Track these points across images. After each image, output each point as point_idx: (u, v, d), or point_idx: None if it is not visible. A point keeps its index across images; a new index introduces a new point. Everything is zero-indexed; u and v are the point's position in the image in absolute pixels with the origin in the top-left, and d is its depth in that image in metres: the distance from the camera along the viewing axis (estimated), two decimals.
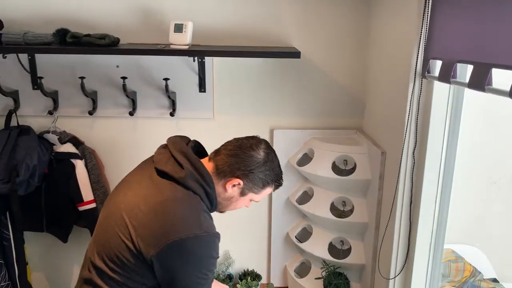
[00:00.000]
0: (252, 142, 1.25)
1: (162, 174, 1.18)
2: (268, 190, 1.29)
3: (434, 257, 1.48)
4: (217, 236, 1.16)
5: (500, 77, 0.98)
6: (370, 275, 1.86)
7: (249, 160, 1.21)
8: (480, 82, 0.99)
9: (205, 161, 1.26)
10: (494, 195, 2.35)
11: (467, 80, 1.06)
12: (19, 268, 2.07)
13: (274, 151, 1.29)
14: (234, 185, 1.22)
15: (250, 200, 1.30)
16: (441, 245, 1.47)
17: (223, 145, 1.28)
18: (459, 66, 1.14)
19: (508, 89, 0.89)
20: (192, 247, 1.09)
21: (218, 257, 1.17)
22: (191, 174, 1.15)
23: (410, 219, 1.51)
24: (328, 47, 1.99)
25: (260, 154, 1.23)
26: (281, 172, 1.30)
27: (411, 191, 1.48)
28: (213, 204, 1.22)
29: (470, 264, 2.20)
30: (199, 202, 1.17)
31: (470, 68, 1.07)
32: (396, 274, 1.58)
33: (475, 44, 1.05)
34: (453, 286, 2.09)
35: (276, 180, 1.28)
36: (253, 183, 1.23)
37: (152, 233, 1.09)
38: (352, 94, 2.05)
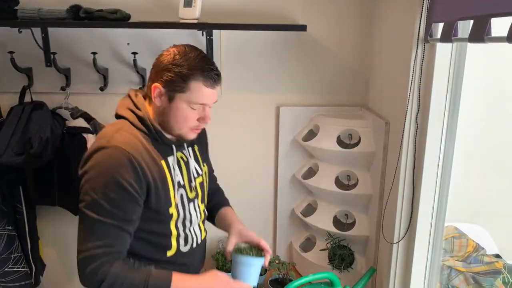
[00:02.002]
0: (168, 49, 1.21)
1: None
2: (196, 84, 1.14)
3: (437, 220, 1.52)
4: (124, 152, 1.11)
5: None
6: (374, 245, 1.90)
7: (158, 62, 1.18)
8: (479, 34, 1.04)
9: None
10: (498, 175, 2.38)
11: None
12: (32, 241, 2.13)
13: (196, 48, 1.20)
14: (157, 95, 1.17)
15: (191, 108, 1.18)
16: (443, 209, 1.51)
17: None
18: (461, 24, 1.19)
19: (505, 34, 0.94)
20: (95, 158, 1.11)
21: (123, 182, 1.10)
22: (121, 104, 1.25)
23: (413, 184, 1.55)
24: (333, 25, 2.04)
25: (170, 51, 1.18)
26: (205, 60, 1.17)
27: (414, 156, 1.53)
28: (148, 126, 1.19)
29: (473, 240, 2.23)
30: (125, 123, 1.19)
31: (470, 24, 1.11)
32: (400, 239, 1.62)
33: (474, 1, 1.10)
34: (456, 260, 2.12)
35: (198, 68, 1.14)
36: (171, 82, 1.14)
37: None
38: (357, 71, 2.10)
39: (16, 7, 1.82)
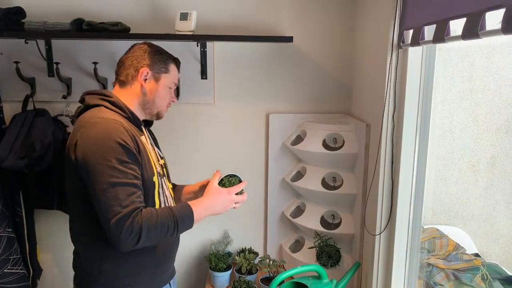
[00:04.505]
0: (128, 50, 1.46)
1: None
2: (173, 67, 1.45)
3: (415, 212, 1.64)
4: (116, 122, 1.26)
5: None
6: (358, 242, 2.01)
7: (138, 52, 1.41)
8: (440, 35, 1.20)
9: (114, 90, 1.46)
10: (474, 178, 2.53)
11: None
12: (30, 244, 2.20)
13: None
14: (145, 77, 1.38)
15: (170, 88, 1.45)
16: (420, 200, 1.64)
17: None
18: (427, 28, 1.35)
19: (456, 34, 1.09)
20: (93, 134, 1.23)
21: (123, 143, 1.23)
22: (89, 98, 1.38)
23: (392, 178, 1.68)
24: (319, 39, 2.21)
25: (142, 46, 1.43)
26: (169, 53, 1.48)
27: (392, 152, 1.67)
28: (122, 108, 1.35)
29: (453, 240, 2.35)
30: (101, 108, 1.33)
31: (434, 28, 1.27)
32: (382, 230, 1.74)
33: (436, 8, 1.27)
34: (437, 258, 2.24)
35: (172, 56, 1.47)
36: (158, 65, 1.40)
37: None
38: (340, 80, 2.26)
39: (23, 20, 1.96)
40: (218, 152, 2.29)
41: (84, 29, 1.94)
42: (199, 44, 2.09)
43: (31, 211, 2.21)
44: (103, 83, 2.15)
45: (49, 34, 1.93)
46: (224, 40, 2.06)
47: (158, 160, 1.49)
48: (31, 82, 2.15)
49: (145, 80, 1.38)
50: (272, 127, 2.26)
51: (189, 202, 1.35)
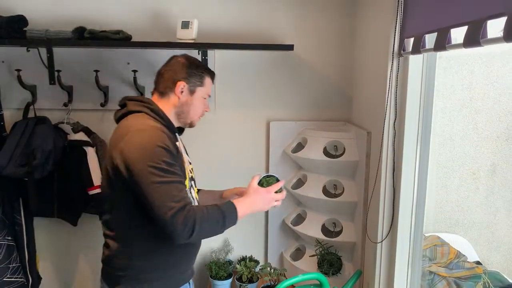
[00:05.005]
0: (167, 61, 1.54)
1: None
2: (208, 80, 1.53)
3: (416, 219, 1.64)
4: (159, 128, 1.35)
5: None
6: (360, 250, 2.00)
7: (177, 66, 1.49)
8: (442, 43, 1.20)
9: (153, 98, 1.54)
10: (474, 185, 2.53)
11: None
12: (29, 253, 2.18)
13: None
14: (182, 90, 1.47)
15: (204, 98, 1.53)
16: (422, 208, 1.64)
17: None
18: (428, 37, 1.36)
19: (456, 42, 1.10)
20: (140, 142, 1.30)
21: (166, 147, 1.32)
22: (132, 104, 1.46)
23: (393, 185, 1.68)
24: (319, 47, 2.23)
25: (180, 59, 1.51)
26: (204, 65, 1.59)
27: (394, 160, 1.67)
28: (163, 117, 1.43)
29: (455, 248, 2.34)
30: (143, 115, 1.41)
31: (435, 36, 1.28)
32: (383, 238, 1.73)
33: (437, 16, 1.27)
34: (439, 266, 2.23)
35: (208, 69, 1.55)
36: (194, 79, 1.48)
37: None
38: (341, 88, 2.27)
39: (25, 28, 1.96)
40: (219, 160, 2.29)
41: (86, 37, 1.95)
42: (200, 52, 2.10)
43: (30, 219, 2.19)
44: (104, 91, 2.15)
45: (51, 42, 1.94)
46: (225, 48, 2.07)
47: (189, 164, 1.58)
48: (32, 90, 2.15)
49: (182, 92, 1.47)
50: (273, 135, 2.26)
51: (234, 201, 1.44)
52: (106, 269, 1.49)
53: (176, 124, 1.52)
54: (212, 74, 1.57)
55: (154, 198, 1.26)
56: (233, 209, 1.39)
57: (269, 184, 1.55)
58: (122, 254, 1.42)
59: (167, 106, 1.48)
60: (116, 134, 1.40)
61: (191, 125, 1.57)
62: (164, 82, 1.49)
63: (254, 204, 1.48)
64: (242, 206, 1.42)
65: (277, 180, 1.58)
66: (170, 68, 1.50)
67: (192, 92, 1.49)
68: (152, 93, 1.54)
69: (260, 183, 1.55)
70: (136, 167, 1.27)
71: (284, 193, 1.55)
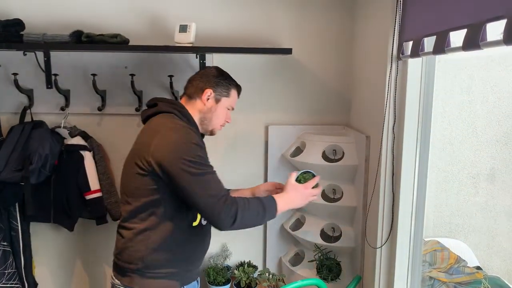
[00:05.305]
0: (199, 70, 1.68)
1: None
2: (234, 92, 1.62)
3: (416, 224, 1.63)
4: (189, 128, 1.45)
5: None
6: (359, 255, 1.98)
7: (207, 75, 1.59)
8: (441, 46, 1.19)
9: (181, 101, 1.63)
10: (474, 190, 2.51)
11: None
12: (25, 258, 2.16)
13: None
14: (208, 97, 1.55)
15: (228, 109, 1.61)
16: (421, 212, 1.62)
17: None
18: (426, 40, 1.35)
19: (456, 45, 1.09)
20: (174, 142, 1.37)
21: (199, 144, 1.40)
22: (162, 105, 1.53)
23: (393, 190, 1.67)
24: (318, 50, 2.22)
25: (211, 69, 1.62)
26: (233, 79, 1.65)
27: (393, 164, 1.65)
28: (190, 119, 1.52)
29: (455, 253, 2.33)
30: (172, 116, 1.49)
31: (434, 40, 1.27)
32: (383, 243, 1.71)
33: (436, 20, 1.27)
34: (439, 271, 2.21)
35: (235, 83, 1.63)
36: (221, 88, 1.57)
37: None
38: (340, 92, 2.26)
39: (22, 32, 1.95)
40: (217, 163, 2.24)
41: (83, 41, 1.94)
42: (198, 56, 2.09)
43: (27, 224, 2.17)
44: (101, 95, 2.14)
45: (48, 46, 1.93)
46: (223, 52, 2.06)
47: None
48: (29, 94, 2.13)
49: (208, 99, 1.55)
50: (272, 139, 2.25)
51: (274, 196, 1.51)
52: (118, 263, 1.52)
53: (199, 130, 1.59)
54: (239, 88, 1.65)
55: (196, 190, 1.33)
56: (273, 202, 1.46)
57: (306, 180, 1.60)
58: (137, 249, 1.45)
59: (193, 110, 1.56)
60: (146, 132, 1.48)
61: (212, 133, 1.63)
62: (193, 88, 1.58)
63: (293, 200, 1.55)
64: (282, 202, 1.49)
65: (313, 176, 1.62)
66: (201, 76, 1.60)
67: (217, 100, 1.57)
68: (181, 97, 1.64)
69: (298, 180, 1.60)
70: (173, 162, 1.33)
71: (320, 188, 1.61)
